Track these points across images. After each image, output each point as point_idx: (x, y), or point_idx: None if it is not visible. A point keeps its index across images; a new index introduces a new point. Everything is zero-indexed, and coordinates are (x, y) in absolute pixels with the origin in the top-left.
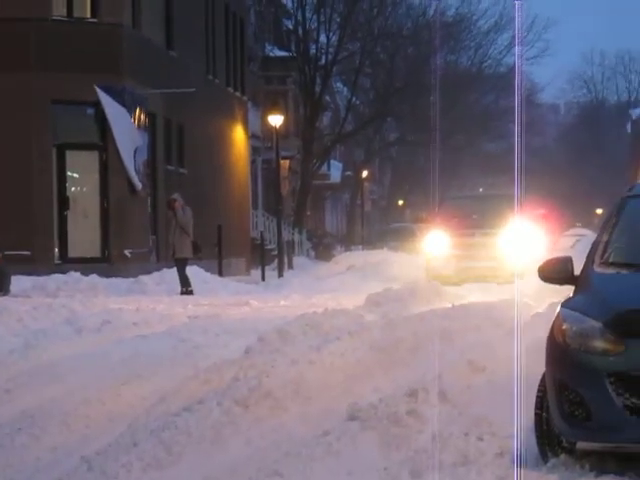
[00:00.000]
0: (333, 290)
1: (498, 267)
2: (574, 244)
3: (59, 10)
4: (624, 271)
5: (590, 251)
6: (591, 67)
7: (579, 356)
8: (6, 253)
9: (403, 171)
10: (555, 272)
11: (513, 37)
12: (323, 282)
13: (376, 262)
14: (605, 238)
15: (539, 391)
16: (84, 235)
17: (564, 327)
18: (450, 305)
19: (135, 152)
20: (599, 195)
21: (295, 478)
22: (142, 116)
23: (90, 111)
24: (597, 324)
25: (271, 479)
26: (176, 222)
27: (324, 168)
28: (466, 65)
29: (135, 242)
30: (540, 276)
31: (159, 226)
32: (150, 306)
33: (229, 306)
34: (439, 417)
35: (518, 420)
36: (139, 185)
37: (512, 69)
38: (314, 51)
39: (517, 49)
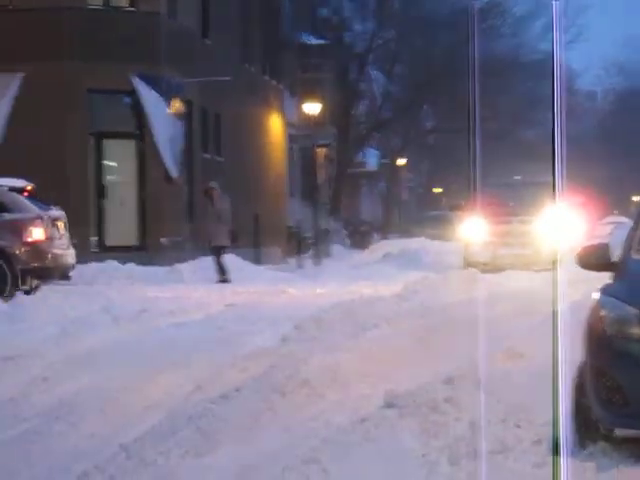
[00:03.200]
0: (369, 278)
1: (535, 254)
2: (612, 231)
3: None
4: None
5: (628, 238)
6: (628, 53)
7: (617, 343)
8: None
9: (440, 159)
10: (593, 259)
11: (548, 23)
12: (359, 270)
13: (413, 250)
14: None
15: (577, 378)
16: (121, 224)
17: (602, 314)
18: (487, 292)
19: (172, 141)
20: (636, 182)
21: (333, 465)
22: (178, 104)
23: (127, 100)
24: (635, 310)
25: (309, 466)
26: (213, 210)
27: (360, 156)
28: (502, 52)
29: (172, 230)
30: (578, 263)
31: (196, 214)
32: (186, 294)
33: (266, 294)
34: (477, 404)
35: (556, 407)
36: (175, 173)
37: (548, 56)
38: (350, 39)
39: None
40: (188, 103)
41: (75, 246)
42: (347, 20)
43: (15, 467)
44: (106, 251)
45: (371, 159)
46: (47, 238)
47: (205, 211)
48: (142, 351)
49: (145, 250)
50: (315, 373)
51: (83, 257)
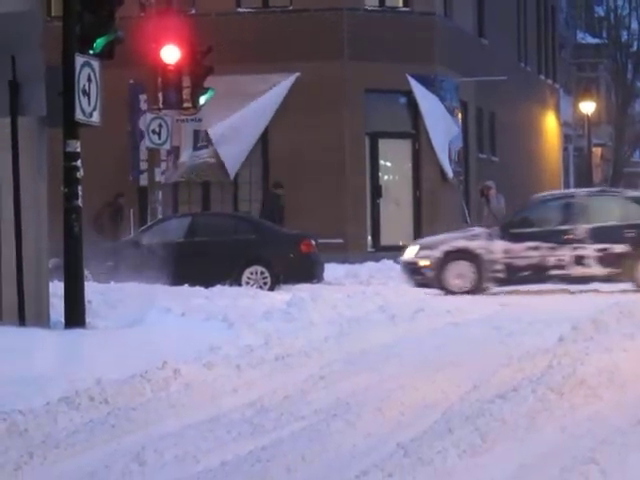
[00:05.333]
0: None
1: None
2: None
3: (372, 0)
4: None
5: None
6: None
7: None
8: (320, 241)
9: None
10: None
11: None
12: None
13: None
14: None
15: None
16: (396, 223)
17: None
18: None
19: (449, 141)
20: None
21: (611, 466)
22: (454, 104)
23: (403, 100)
24: None
25: (587, 467)
26: (489, 209)
27: (637, 155)
28: None
29: (447, 230)
30: None
31: (471, 214)
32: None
33: (538, 293)
34: None
35: None
36: (451, 173)
37: None
38: (626, 37)
39: None
40: (463, 103)
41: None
42: (624, 18)
43: (293, 465)
44: (381, 250)
45: None
46: None
47: (480, 210)
48: (419, 350)
49: None
50: (592, 373)
51: (359, 257)
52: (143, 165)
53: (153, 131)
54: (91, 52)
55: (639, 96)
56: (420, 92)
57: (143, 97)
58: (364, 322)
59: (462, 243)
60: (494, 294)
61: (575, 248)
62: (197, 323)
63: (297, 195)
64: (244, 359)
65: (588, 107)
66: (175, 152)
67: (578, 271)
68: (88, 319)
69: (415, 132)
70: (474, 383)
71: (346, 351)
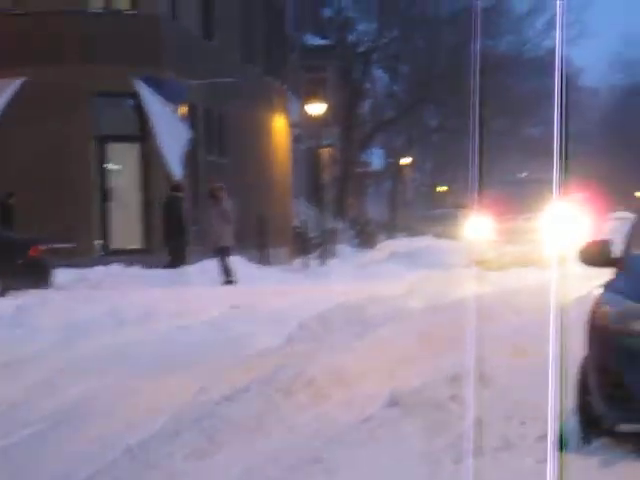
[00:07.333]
0: (376, 277)
1: (540, 251)
2: (616, 227)
3: (97, 3)
4: None
5: (630, 233)
6: (631, 49)
7: (620, 338)
8: (50, 246)
9: (445, 157)
10: (595, 255)
11: (551, 20)
12: (366, 270)
13: (419, 248)
14: None
15: (580, 374)
16: (126, 227)
17: (605, 309)
18: (492, 290)
19: (177, 143)
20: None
21: (337, 465)
22: (182, 107)
23: (131, 103)
24: (637, 306)
25: (313, 466)
26: (218, 211)
27: (365, 156)
28: (505, 49)
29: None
30: (580, 259)
31: (200, 216)
32: (192, 296)
33: (271, 295)
34: (481, 402)
35: (559, 403)
36: (178, 176)
37: (552, 52)
38: (353, 39)
39: (557, 31)
40: (192, 105)
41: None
42: (351, 20)
43: (16, 473)
44: (112, 254)
45: (376, 159)
46: None
47: (210, 213)
48: (147, 354)
49: (150, 253)
50: (320, 373)
51: (89, 260)
52: None
53: None
54: None
55: (367, 97)
56: (147, 95)
57: None
58: (94, 327)
59: None
60: (226, 296)
61: None
62: None
63: (27, 200)
64: None
65: (316, 108)
66: None
67: None
68: None
69: (143, 135)
70: (202, 385)
71: (75, 356)
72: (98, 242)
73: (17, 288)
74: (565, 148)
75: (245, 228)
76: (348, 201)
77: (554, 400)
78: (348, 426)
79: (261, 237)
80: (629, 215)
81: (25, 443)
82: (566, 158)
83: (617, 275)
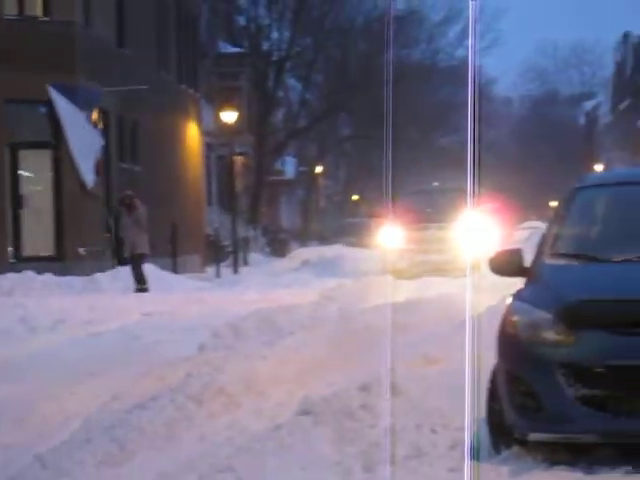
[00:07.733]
0: (288, 286)
1: (452, 260)
2: (528, 237)
3: (11, 9)
4: (574, 262)
5: (540, 242)
6: (544, 59)
7: (530, 348)
8: None
9: (357, 166)
10: (505, 264)
11: (464, 29)
12: (278, 278)
13: (331, 257)
14: (555, 229)
15: (491, 383)
16: (38, 234)
17: (515, 319)
18: (404, 299)
19: (89, 150)
20: (553, 188)
21: (247, 473)
22: (95, 114)
23: (43, 110)
24: (547, 315)
25: (224, 475)
26: (130, 219)
27: (278, 164)
28: (419, 59)
29: (89, 240)
30: (490, 268)
31: (114, 224)
32: (104, 304)
33: (183, 303)
34: (392, 410)
35: (471, 412)
36: (91, 184)
37: (464, 62)
38: (267, 47)
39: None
40: (105, 112)
41: None
42: (264, 28)
43: None
44: (23, 261)
45: (289, 167)
46: None
47: (124, 221)
48: (59, 362)
49: (63, 260)
50: (231, 381)
51: (0, 267)
52: None
53: None
54: None
55: (280, 105)
56: (60, 102)
57: None
58: (4, 334)
59: None
60: (138, 303)
61: None
62: None
63: None
64: None
65: (229, 116)
66: None
67: None
68: None
69: (56, 142)
70: (113, 393)
71: None
72: (10, 249)
73: None
74: (478, 158)
75: (158, 236)
76: (261, 209)
77: (470, 409)
78: (259, 434)
79: (174, 245)
80: (540, 225)
81: None
82: (479, 168)
83: (527, 284)
